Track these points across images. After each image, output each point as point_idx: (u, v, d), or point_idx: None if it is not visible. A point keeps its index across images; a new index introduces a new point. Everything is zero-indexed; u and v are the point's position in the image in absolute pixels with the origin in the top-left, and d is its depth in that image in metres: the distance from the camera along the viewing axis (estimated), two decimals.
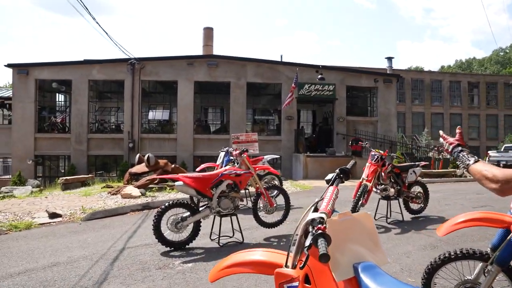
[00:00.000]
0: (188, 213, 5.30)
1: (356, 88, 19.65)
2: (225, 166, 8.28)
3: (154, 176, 11.57)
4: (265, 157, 9.03)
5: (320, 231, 1.39)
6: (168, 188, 10.81)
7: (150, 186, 11.60)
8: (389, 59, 32.63)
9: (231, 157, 8.71)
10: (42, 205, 8.63)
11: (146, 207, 8.57)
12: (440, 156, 18.38)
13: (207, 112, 22.74)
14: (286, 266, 1.73)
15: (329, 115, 20.64)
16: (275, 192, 6.37)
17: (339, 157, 16.25)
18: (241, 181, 5.61)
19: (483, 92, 40.96)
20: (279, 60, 24.30)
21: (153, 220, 5.12)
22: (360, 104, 20.94)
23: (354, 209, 6.50)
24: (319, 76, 17.32)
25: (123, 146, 17.49)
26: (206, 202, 5.51)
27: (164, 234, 5.18)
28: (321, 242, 1.33)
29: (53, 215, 7.42)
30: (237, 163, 6.01)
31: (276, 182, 8.54)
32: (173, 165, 12.60)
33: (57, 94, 20.81)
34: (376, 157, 6.92)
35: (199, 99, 20.55)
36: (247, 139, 8.56)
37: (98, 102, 20.13)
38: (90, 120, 18.13)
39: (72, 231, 6.49)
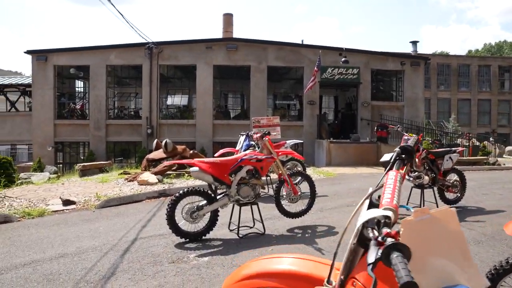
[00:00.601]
0: (205, 201, 4.88)
1: (381, 71, 18.76)
2: (245, 151, 7.84)
3: (172, 162, 11.25)
4: (287, 142, 8.53)
5: (391, 241, 0.90)
6: (186, 174, 10.45)
7: (168, 172, 11.30)
8: (414, 43, 31.23)
9: (252, 142, 8.25)
10: (58, 192, 8.40)
11: (162, 194, 8.23)
12: (469, 143, 17.42)
13: (226, 98, 22.27)
14: (329, 282, 1.24)
15: (353, 100, 19.85)
16: (299, 179, 5.85)
17: (363, 143, 15.57)
18: (262, 167, 5.13)
19: None
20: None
21: (167, 209, 4.72)
22: (385, 89, 20.04)
23: None
24: (343, 59, 16.54)
25: (142, 132, 17.26)
26: (224, 190, 5.07)
27: (179, 224, 4.77)
28: (397, 259, 0.83)
29: (67, 202, 7.15)
30: (258, 148, 5.52)
31: (299, 169, 8.04)
32: (191, 151, 12.25)
33: (76, 81, 20.70)
34: (409, 141, 6.31)
35: (219, 84, 20.09)
36: (268, 123, 8.05)
37: (116, 87, 19.92)
38: (109, 106, 17.95)
39: (84, 219, 6.18)
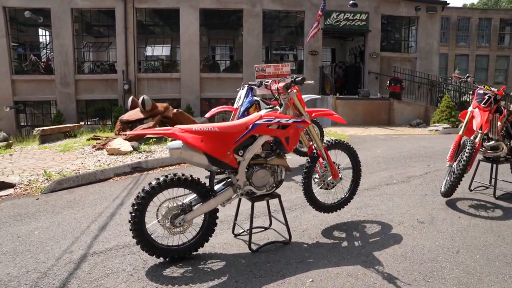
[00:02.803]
0: (195, 196, 2.95)
1: (393, 18, 16.42)
2: (247, 109, 5.83)
3: (151, 124, 9.18)
4: (303, 97, 6.50)
5: None
6: (170, 139, 8.47)
7: (149, 136, 9.33)
8: None
9: (255, 97, 6.23)
10: (0, 167, 6.35)
11: (137, 168, 6.26)
12: None
13: (215, 48, 19.72)
14: None
15: (357, 51, 17.65)
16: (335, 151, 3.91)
17: (374, 99, 13.66)
18: (288, 137, 3.18)
19: None
20: None
21: (131, 213, 2.78)
22: (396, 38, 17.84)
23: (460, 179, 4.11)
24: (351, 2, 14.15)
25: (118, 88, 14.93)
26: (226, 176, 3.15)
27: (153, 236, 2.87)
28: None
29: (1, 185, 5.13)
30: (268, 106, 3.55)
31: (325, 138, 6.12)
32: (175, 110, 10.14)
33: (38, 29, 17.70)
34: (488, 98, 4.37)
35: (206, 32, 17.54)
36: (276, 71, 5.96)
37: (86, 36, 17.22)
38: (77, 59, 15.37)
39: (18, 214, 4.20)
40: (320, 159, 3.56)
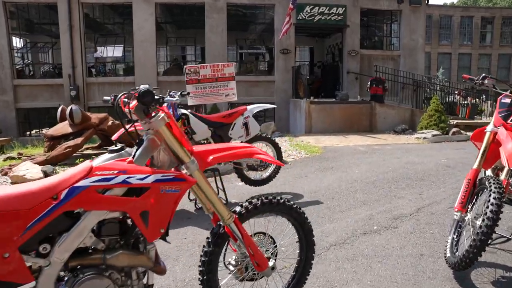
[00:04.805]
0: None
1: (373, 12, 14.92)
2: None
3: (79, 140, 7.44)
4: (249, 107, 4.88)
5: None
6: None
7: (80, 153, 7.76)
8: None
9: (184, 110, 4.61)
10: None
11: None
12: (467, 102, 14.13)
13: (175, 47, 17.93)
14: None
15: (335, 49, 16.16)
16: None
17: (353, 103, 12.11)
18: (147, 212, 1.54)
19: (497, 28, 36.87)
20: None
21: None
22: (377, 34, 16.37)
23: (483, 246, 2.48)
24: None
25: (64, 94, 13.04)
26: None
27: None
28: None
29: None
30: (138, 146, 1.81)
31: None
32: (110, 122, 8.38)
33: None
34: None
35: (164, 29, 15.78)
36: (215, 74, 4.33)
37: (26, 35, 15.23)
38: (15, 61, 13.40)
39: None
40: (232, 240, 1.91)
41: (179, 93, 4.18)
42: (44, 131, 8.44)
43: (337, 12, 13.58)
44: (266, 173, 4.98)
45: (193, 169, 1.67)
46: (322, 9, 13.41)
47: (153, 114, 1.62)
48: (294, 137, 10.38)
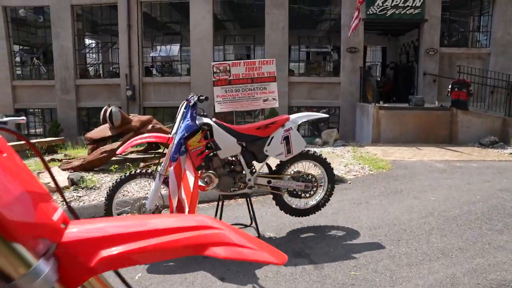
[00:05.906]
0: None
1: (456, 3, 12.99)
2: (187, 133, 3.35)
3: (115, 145, 6.94)
4: (292, 117, 3.83)
5: None
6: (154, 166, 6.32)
7: (117, 158, 7.31)
8: None
9: (206, 120, 3.73)
10: None
11: None
12: None
13: (232, 45, 17.26)
14: None
15: (410, 48, 14.40)
16: None
17: (430, 109, 10.46)
18: None
19: None
20: None
21: None
22: (460, 29, 14.26)
23: None
24: None
25: (121, 94, 13.00)
26: None
27: None
28: None
29: None
30: None
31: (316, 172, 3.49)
32: (158, 125, 7.87)
33: (44, 30, 16.14)
34: None
35: (221, 26, 15.19)
36: (250, 73, 3.38)
37: (90, 36, 15.52)
38: (79, 61, 13.64)
39: None
40: None
41: (197, 97, 3.27)
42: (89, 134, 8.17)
43: (413, 4, 11.91)
44: (313, 201, 3.92)
45: None
46: (396, 1, 11.84)
47: None
48: (359, 147, 9.08)
